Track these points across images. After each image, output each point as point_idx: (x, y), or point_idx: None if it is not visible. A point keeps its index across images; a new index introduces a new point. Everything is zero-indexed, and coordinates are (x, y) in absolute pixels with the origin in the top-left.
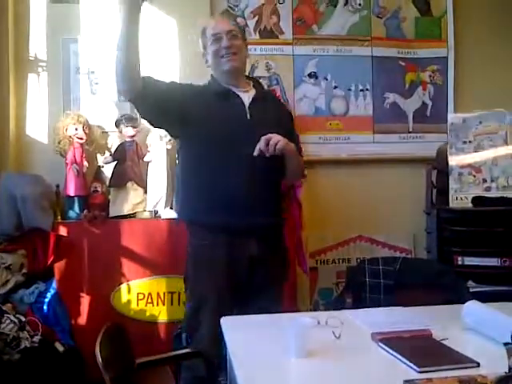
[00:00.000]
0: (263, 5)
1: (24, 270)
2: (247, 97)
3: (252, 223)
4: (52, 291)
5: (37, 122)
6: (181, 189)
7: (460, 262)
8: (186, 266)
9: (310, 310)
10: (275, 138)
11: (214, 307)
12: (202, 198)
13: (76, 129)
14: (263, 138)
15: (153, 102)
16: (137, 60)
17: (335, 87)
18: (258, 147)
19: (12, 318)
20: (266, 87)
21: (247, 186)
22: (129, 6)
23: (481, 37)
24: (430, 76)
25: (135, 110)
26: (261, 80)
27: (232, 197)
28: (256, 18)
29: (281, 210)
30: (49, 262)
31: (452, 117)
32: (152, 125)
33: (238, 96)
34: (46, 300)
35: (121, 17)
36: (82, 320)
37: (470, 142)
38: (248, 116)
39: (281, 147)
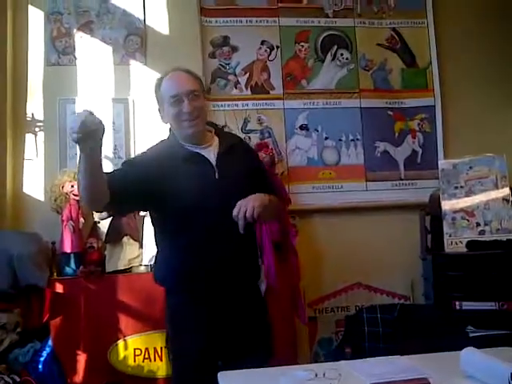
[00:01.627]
0: (254, 62)
1: (19, 329)
2: (212, 153)
3: (226, 286)
4: (47, 350)
5: (34, 180)
6: (157, 254)
7: (458, 307)
8: (166, 330)
9: (311, 362)
10: (248, 211)
11: (196, 369)
12: (178, 263)
13: (72, 186)
14: (238, 216)
15: (123, 201)
16: (102, 184)
17: (326, 138)
18: (240, 225)
19: (6, 378)
20: (227, 129)
21: (222, 250)
22: (88, 152)
23: (466, 84)
24: (419, 124)
25: None
26: (253, 133)
27: (208, 262)
28: (247, 74)
29: (258, 270)
30: (44, 319)
31: (442, 163)
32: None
33: (204, 157)
34: (42, 359)
35: (81, 159)
36: (79, 378)
37: (461, 186)
38: (216, 175)
39: (252, 217)
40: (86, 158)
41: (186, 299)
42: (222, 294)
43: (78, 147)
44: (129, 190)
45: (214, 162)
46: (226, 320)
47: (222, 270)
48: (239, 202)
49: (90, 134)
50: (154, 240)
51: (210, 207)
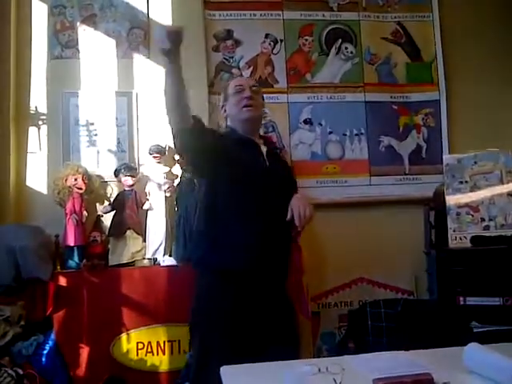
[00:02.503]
0: (258, 56)
1: (22, 322)
2: (264, 148)
3: (265, 269)
4: (50, 343)
5: (37, 173)
6: (196, 233)
7: (462, 303)
8: (191, 314)
9: (314, 357)
10: (308, 211)
11: (224, 354)
12: (220, 241)
13: (75, 179)
14: (300, 216)
15: (197, 142)
16: (185, 98)
17: (330, 132)
18: (297, 217)
19: (9, 371)
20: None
21: (266, 233)
22: (169, 57)
23: (471, 79)
24: (423, 119)
25: (135, 160)
26: None
27: (251, 242)
28: (251, 68)
29: (289, 261)
30: (48, 312)
31: (447, 158)
32: (186, 161)
33: (259, 146)
34: (45, 352)
35: (165, 67)
36: (82, 371)
37: (466, 181)
38: (267, 163)
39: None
40: (174, 68)
41: (218, 281)
42: (257, 278)
43: (166, 60)
44: (207, 136)
45: (264, 154)
46: (254, 304)
47: (260, 250)
48: (294, 205)
49: (175, 42)
50: (196, 220)
51: (258, 190)
